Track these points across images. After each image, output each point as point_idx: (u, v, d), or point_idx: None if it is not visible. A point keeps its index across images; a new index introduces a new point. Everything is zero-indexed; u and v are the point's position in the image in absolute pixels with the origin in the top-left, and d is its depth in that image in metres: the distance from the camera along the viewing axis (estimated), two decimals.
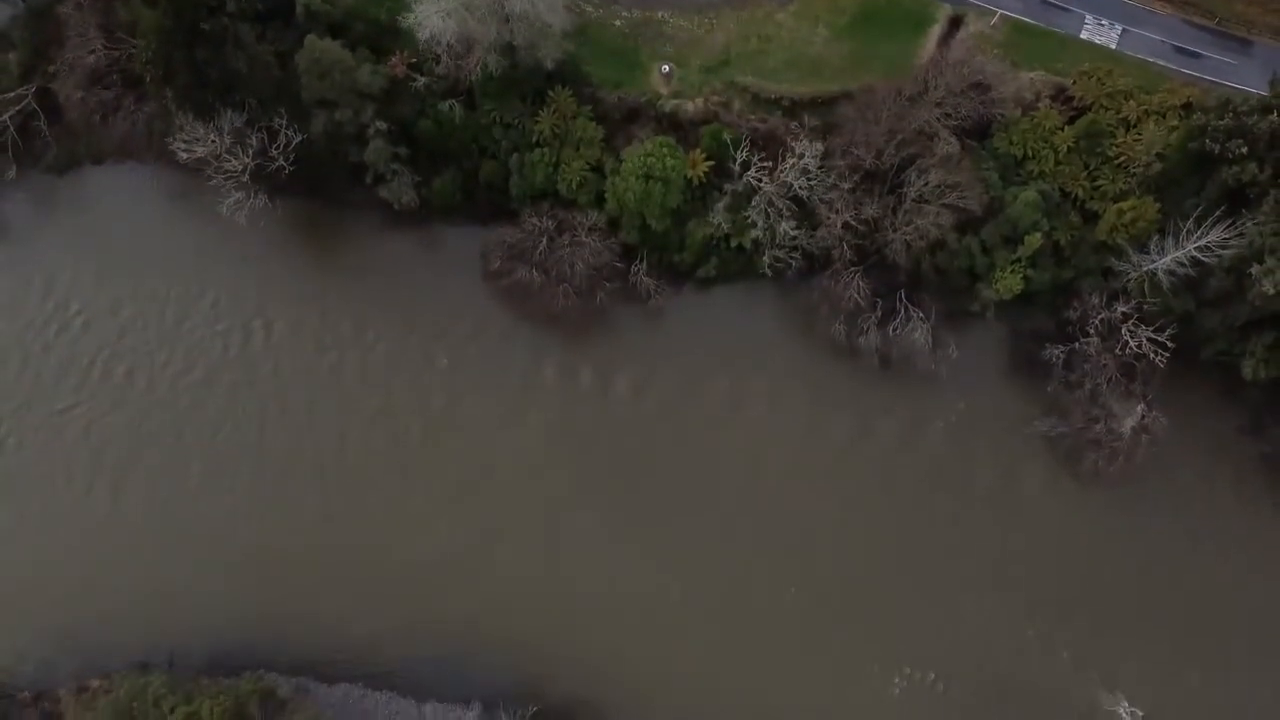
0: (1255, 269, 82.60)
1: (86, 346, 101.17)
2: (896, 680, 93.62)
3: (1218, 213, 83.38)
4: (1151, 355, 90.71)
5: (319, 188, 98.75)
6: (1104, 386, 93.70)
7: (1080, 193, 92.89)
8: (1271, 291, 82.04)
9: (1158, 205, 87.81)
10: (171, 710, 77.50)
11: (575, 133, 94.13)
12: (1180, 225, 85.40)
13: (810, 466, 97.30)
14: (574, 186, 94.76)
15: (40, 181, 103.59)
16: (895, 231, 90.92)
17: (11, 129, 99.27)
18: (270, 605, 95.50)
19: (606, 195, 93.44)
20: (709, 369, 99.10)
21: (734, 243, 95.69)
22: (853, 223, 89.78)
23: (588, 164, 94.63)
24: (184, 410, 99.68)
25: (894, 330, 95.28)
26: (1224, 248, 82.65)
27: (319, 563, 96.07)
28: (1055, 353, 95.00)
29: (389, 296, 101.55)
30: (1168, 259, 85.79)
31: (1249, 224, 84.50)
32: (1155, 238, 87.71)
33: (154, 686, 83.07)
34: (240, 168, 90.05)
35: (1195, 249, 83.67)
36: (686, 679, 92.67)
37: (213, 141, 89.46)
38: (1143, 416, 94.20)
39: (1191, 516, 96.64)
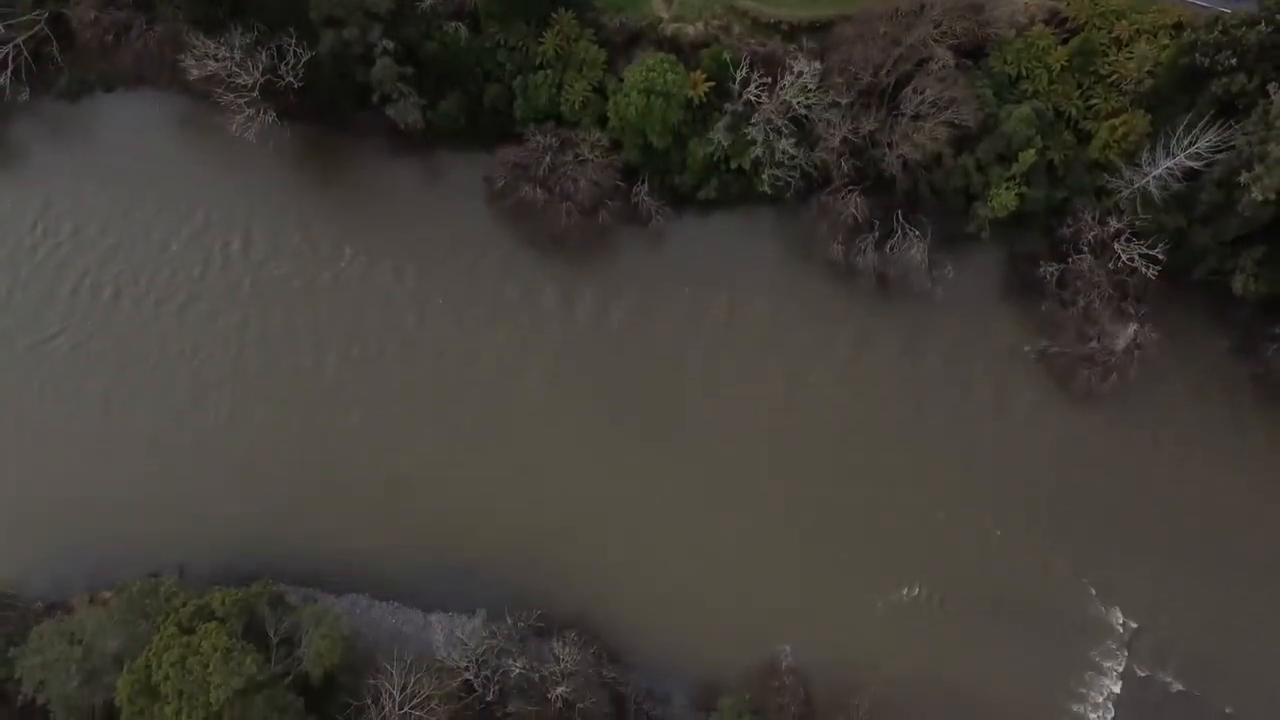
0: (1244, 176, 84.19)
1: (76, 268, 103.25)
2: (894, 594, 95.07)
3: (1208, 117, 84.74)
4: (1143, 269, 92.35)
5: (326, 111, 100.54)
6: (1097, 303, 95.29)
7: (1074, 111, 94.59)
8: (1260, 198, 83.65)
9: (1149, 118, 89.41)
10: (183, 604, 78.99)
11: (578, 55, 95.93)
12: (1171, 135, 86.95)
13: (809, 384, 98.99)
14: (577, 108, 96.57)
15: (52, 108, 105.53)
16: (892, 149, 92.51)
17: (25, 53, 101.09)
18: (275, 523, 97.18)
19: (609, 114, 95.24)
20: (709, 290, 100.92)
21: (734, 164, 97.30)
22: (851, 137, 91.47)
23: (590, 86, 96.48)
24: (200, 330, 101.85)
25: (891, 249, 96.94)
26: (1217, 151, 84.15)
27: (323, 482, 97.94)
28: (1049, 271, 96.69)
29: (391, 220, 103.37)
30: (1159, 169, 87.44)
31: (1238, 135, 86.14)
32: (1147, 150, 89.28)
33: (165, 586, 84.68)
34: (250, 83, 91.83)
35: (1186, 156, 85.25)
36: (684, 589, 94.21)
37: (223, 57, 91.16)
38: (1135, 334, 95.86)
39: (1183, 433, 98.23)
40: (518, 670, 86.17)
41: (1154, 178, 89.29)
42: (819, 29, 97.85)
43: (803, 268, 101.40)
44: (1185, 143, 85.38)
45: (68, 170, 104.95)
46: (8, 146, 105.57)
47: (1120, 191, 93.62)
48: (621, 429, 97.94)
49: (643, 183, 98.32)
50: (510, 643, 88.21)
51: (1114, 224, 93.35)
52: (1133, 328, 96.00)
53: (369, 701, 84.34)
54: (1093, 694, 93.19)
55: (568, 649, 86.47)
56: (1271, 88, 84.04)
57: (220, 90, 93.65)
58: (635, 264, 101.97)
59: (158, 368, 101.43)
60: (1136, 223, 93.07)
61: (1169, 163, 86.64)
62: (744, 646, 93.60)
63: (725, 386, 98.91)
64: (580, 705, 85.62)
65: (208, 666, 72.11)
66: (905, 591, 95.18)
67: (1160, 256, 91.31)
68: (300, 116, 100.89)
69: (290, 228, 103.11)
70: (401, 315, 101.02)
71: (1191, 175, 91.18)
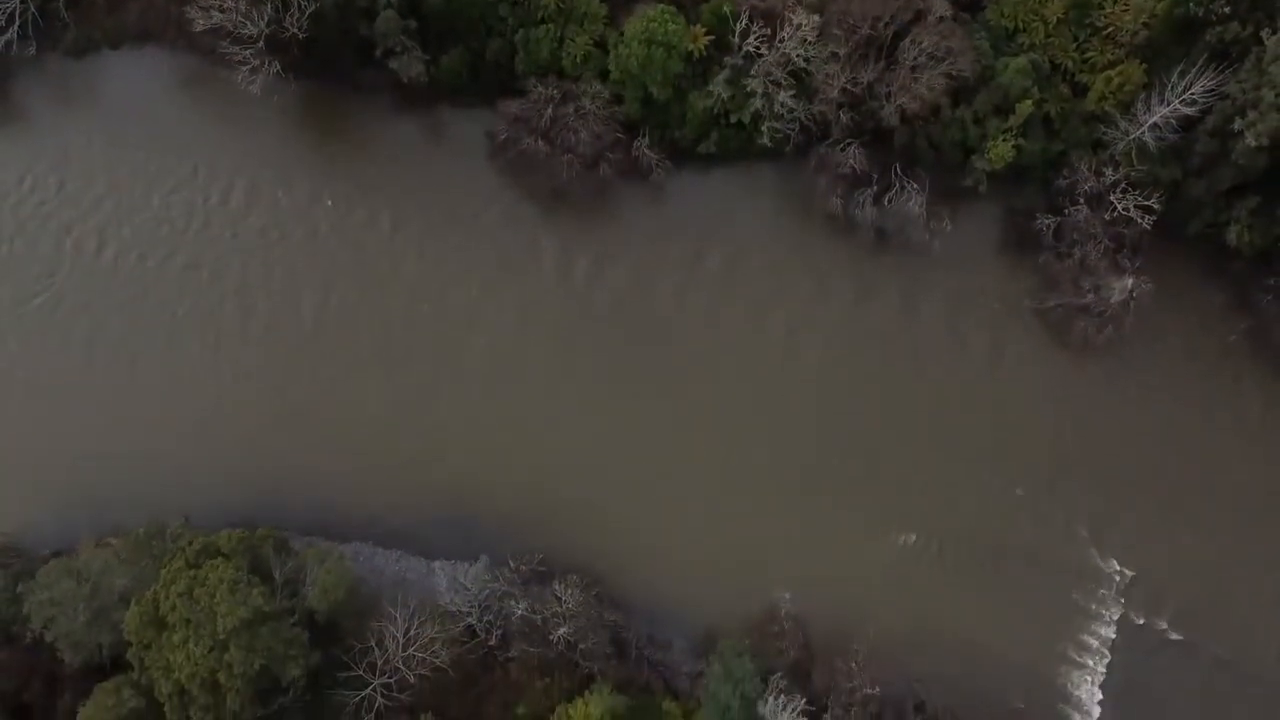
0: (1239, 122, 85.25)
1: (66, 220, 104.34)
2: (892, 543, 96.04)
3: (1202, 63, 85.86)
4: (1139, 219, 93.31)
5: (329, 67, 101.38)
6: (1093, 255, 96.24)
7: (1070, 64, 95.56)
8: (1254, 144, 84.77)
9: (1144, 68, 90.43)
10: (190, 544, 79.97)
11: (579, 9, 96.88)
12: (1166, 84, 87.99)
13: (808, 336, 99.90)
14: (578, 61, 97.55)
15: (58, 64, 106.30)
16: (890, 100, 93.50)
17: (32, 8, 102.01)
18: (275, 476, 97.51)
19: (610, 66, 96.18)
20: (709, 243, 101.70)
21: (734, 118, 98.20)
22: (850, 88, 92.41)
23: (592, 40, 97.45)
24: (201, 286, 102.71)
25: (889, 202, 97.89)
26: (1211, 96, 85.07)
27: (323, 434, 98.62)
28: (1045, 223, 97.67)
29: (393, 175, 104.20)
30: (1155, 117, 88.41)
31: (1232, 83, 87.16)
32: (1142, 100, 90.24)
33: (172, 528, 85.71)
34: (255, 34, 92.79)
35: (1180, 103, 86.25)
36: (685, 537, 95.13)
37: (228, 8, 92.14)
38: (1131, 286, 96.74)
39: (1178, 385, 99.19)
40: (520, 612, 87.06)
41: (1149, 127, 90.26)
42: None
43: (801, 222, 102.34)
44: (1180, 89, 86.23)
45: (69, 127, 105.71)
46: (11, 103, 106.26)
47: (1116, 144, 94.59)
48: (621, 380, 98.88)
49: (643, 136, 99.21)
50: (513, 586, 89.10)
51: (1110, 175, 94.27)
52: (1129, 280, 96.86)
53: (373, 644, 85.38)
54: (1089, 640, 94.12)
55: (570, 591, 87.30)
56: (1265, 34, 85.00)
57: (225, 42, 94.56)
58: (635, 218, 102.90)
59: (156, 321, 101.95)
60: (1132, 174, 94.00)
61: (1164, 110, 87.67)
62: (744, 594, 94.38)
63: (724, 338, 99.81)
64: (582, 646, 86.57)
65: (214, 597, 73.10)
66: (903, 540, 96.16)
67: (1156, 206, 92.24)
68: (303, 73, 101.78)
69: (291, 182, 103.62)
70: (401, 268, 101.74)
71: (1187, 126, 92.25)
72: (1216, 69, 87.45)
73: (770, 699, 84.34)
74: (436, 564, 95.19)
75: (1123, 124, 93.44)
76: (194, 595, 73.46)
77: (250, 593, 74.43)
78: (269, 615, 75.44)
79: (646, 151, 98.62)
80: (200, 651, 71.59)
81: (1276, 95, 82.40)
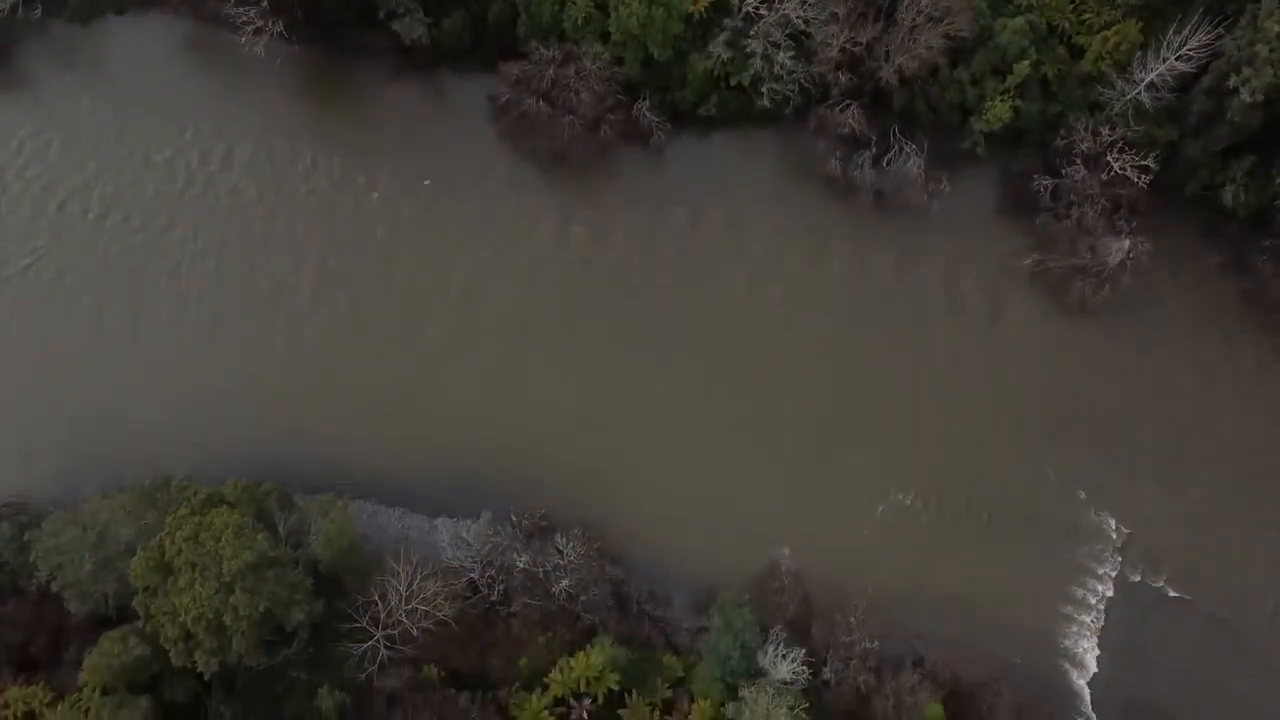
0: (1234, 79, 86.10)
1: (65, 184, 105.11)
2: (891, 501, 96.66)
3: (1198, 18, 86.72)
4: (1135, 179, 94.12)
5: (331, 31, 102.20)
6: (1090, 215, 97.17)
7: (1067, 25, 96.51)
8: (1249, 100, 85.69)
9: (1140, 26, 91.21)
10: (195, 493, 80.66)
11: None
12: (1162, 42, 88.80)
13: (807, 297, 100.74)
14: (580, 23, 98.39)
15: (63, 29, 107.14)
16: (889, 60, 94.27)
17: None
18: (278, 435, 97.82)
19: (610, 28, 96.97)
20: (709, 206, 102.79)
21: (734, 81, 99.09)
22: (848, 47, 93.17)
23: (593, 2, 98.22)
24: (201, 246, 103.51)
25: (888, 164, 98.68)
26: (1206, 51, 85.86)
27: (325, 393, 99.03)
28: (1043, 184, 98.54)
29: (396, 140, 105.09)
30: (1152, 75, 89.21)
31: (1228, 41, 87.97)
32: (1138, 58, 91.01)
33: (177, 481, 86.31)
34: None
35: (1176, 59, 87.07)
36: (685, 496, 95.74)
37: None
38: (1128, 248, 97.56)
39: (1175, 346, 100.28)
40: (522, 565, 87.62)
41: (1146, 86, 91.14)
42: None
43: (801, 184, 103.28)
44: (1176, 45, 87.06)
45: (73, 92, 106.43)
46: (16, 67, 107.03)
47: (1113, 105, 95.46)
48: (622, 341, 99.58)
49: (644, 99, 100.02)
50: (515, 540, 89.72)
51: (1107, 136, 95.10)
52: (1126, 242, 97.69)
53: (376, 598, 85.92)
54: (1085, 597, 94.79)
55: (571, 544, 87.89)
56: None
57: (230, 3, 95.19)
58: (636, 181, 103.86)
59: (157, 285, 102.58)
60: (1129, 135, 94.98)
61: (1161, 68, 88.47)
62: (744, 552, 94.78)
63: (724, 300, 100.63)
64: (583, 598, 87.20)
65: (219, 541, 73.71)
66: (901, 498, 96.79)
67: (1152, 165, 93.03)
68: (306, 36, 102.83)
69: (293, 147, 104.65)
70: (404, 231, 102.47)
71: (1183, 86, 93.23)
72: (1212, 25, 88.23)
73: (770, 649, 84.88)
74: (439, 521, 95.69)
75: (1119, 84, 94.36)
76: (199, 540, 74.09)
77: (255, 538, 75.08)
78: (274, 560, 76.10)
79: (647, 113, 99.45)
80: (206, 593, 72.19)
81: (1271, 50, 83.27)
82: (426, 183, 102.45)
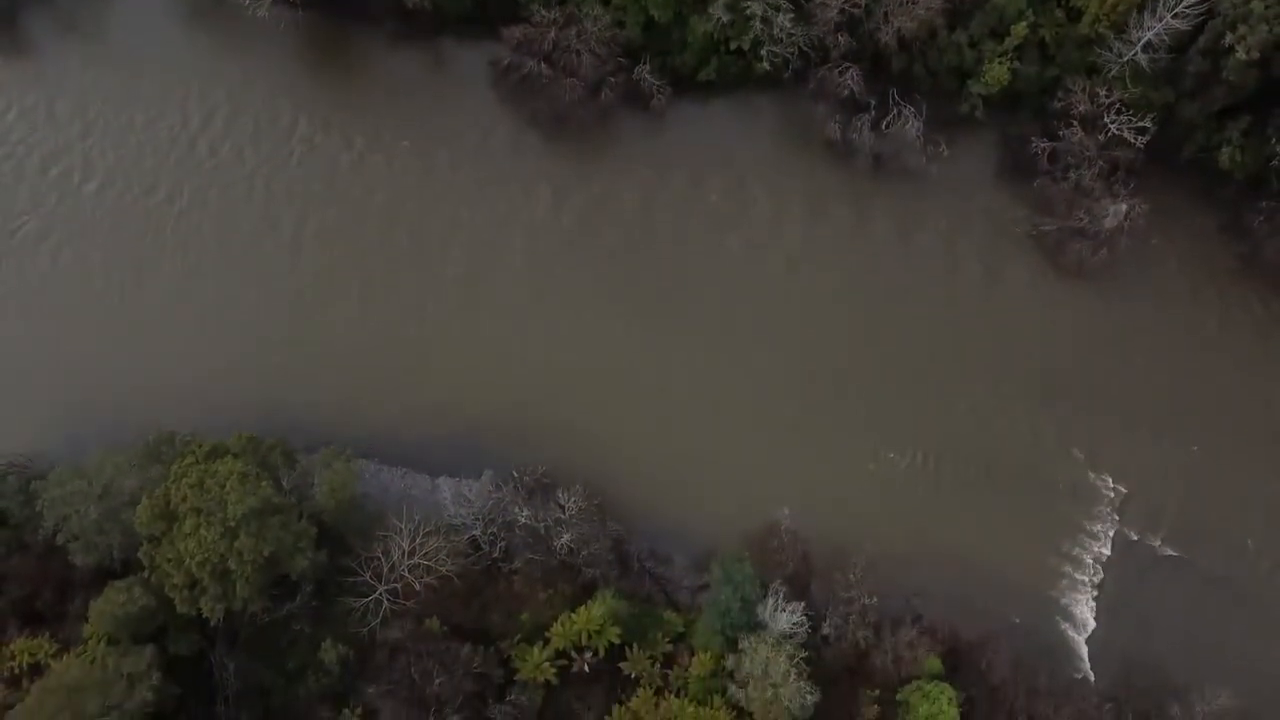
0: (1229, 36, 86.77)
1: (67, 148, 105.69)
2: (889, 460, 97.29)
3: None
4: (1133, 140, 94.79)
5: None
6: (1087, 178, 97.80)
7: None
8: (1244, 57, 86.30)
9: None
10: (199, 445, 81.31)
11: None
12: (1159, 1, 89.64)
13: (807, 259, 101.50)
14: None
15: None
16: (888, 21, 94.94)
17: None
18: (280, 397, 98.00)
19: None
20: (709, 171, 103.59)
21: (734, 45, 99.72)
22: (847, 8, 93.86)
23: None
24: (202, 211, 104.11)
25: (887, 127, 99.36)
26: (1202, 9, 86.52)
27: (325, 355, 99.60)
28: (1040, 147, 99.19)
29: (400, 105, 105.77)
30: (1149, 34, 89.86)
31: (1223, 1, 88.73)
32: (1135, 18, 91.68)
33: (181, 436, 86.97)
34: None
35: (1173, 16, 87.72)
36: (686, 457, 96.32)
37: None
38: (1126, 211, 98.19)
39: (1171, 308, 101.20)
40: (524, 520, 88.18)
41: (1143, 46, 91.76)
42: None
43: (800, 148, 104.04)
44: (1172, 3, 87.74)
45: (77, 57, 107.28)
46: (20, 33, 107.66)
47: (1110, 67, 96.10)
48: (624, 302, 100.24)
49: (644, 63, 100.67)
50: (516, 495, 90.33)
51: (1104, 97, 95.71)
52: (1123, 205, 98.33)
53: (379, 554, 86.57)
54: (1083, 556, 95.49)
55: (572, 499, 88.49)
56: None
57: None
58: (636, 145, 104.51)
59: (156, 245, 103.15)
60: (1127, 96, 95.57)
61: (1158, 26, 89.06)
62: (744, 512, 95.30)
63: (724, 261, 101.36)
64: (584, 553, 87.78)
65: (224, 487, 74.32)
66: (900, 459, 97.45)
67: (1149, 125, 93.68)
68: (310, 3, 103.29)
69: (294, 112, 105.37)
70: (406, 194, 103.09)
71: (1180, 48, 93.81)
72: None
73: (770, 602, 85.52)
74: (441, 480, 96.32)
75: (1117, 46, 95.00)
76: (204, 486, 74.70)
77: (260, 484, 75.72)
78: (279, 507, 76.73)
79: (648, 76, 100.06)
80: (211, 537, 72.77)
81: (1266, 7, 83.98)
82: (405, 144, 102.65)
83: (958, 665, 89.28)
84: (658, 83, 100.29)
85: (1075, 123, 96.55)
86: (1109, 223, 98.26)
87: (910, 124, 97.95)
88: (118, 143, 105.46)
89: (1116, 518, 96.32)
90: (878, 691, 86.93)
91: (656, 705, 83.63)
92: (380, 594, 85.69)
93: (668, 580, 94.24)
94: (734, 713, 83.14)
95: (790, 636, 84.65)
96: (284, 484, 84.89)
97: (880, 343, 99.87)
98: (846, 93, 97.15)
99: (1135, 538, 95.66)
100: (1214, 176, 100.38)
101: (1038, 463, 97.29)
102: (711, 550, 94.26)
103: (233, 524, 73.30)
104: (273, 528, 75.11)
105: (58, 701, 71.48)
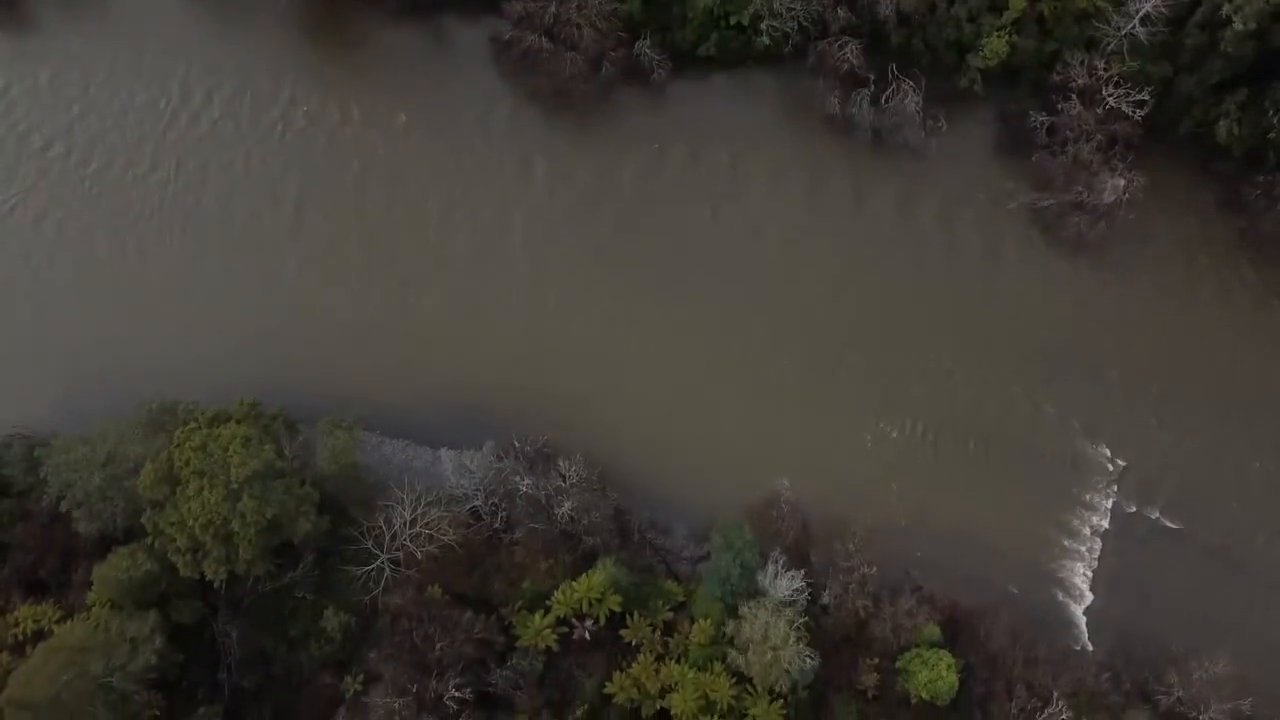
0: (1226, 8, 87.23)
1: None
2: (889, 434, 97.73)
3: None
4: (1130, 113, 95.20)
5: None
6: (1086, 152, 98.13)
7: None
8: (1241, 28, 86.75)
9: None
10: (202, 413, 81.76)
11: None
12: None
13: (807, 233, 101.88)
14: None
15: None
16: None
17: None
18: (283, 370, 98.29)
19: None
20: (709, 145, 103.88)
21: (734, 19, 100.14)
22: None
23: None
24: (205, 185, 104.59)
25: (886, 101, 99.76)
26: None
27: (325, 328, 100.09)
28: (1039, 121, 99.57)
29: (401, 80, 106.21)
30: (1147, 5, 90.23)
31: None
32: None
33: (183, 405, 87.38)
34: None
35: None
36: (687, 429, 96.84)
37: None
38: (1124, 186, 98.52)
39: (1170, 280, 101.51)
40: (525, 489, 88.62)
41: (1141, 19, 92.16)
42: None
43: (800, 123, 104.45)
44: None
45: (78, 32, 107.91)
46: (21, 12, 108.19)
47: (1109, 40, 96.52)
48: (623, 275, 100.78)
49: (644, 38, 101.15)
50: (518, 466, 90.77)
51: (1102, 71, 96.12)
52: (1121, 180, 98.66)
53: (381, 523, 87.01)
54: (1081, 528, 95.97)
55: (573, 468, 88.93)
56: None
57: None
58: (637, 120, 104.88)
59: (158, 220, 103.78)
60: (1125, 70, 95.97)
61: None
62: (744, 483, 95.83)
63: (724, 235, 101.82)
64: (585, 521, 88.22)
65: (227, 451, 74.79)
66: (899, 430, 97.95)
67: (1146, 98, 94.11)
68: None
69: (293, 87, 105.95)
70: (410, 169, 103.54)
71: (1177, 21, 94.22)
72: None
73: (770, 568, 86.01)
74: (443, 452, 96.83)
75: (1115, 19, 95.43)
76: (208, 449, 75.20)
77: (263, 448, 76.22)
78: (281, 470, 77.18)
79: (648, 51, 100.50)
80: (215, 499, 73.24)
81: None
82: (402, 118, 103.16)
83: (956, 634, 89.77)
84: (658, 58, 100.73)
85: (1073, 97, 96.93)
86: (1107, 196, 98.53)
87: (909, 99, 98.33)
88: (119, 119, 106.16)
89: (1114, 489, 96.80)
90: (877, 660, 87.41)
91: (657, 671, 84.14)
92: (382, 562, 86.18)
93: (668, 551, 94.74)
94: (734, 678, 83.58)
95: (790, 603, 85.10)
96: (285, 452, 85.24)
97: (879, 315, 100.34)
98: (846, 67, 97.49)
99: (1133, 509, 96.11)
100: (1211, 151, 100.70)
101: (1036, 435, 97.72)
102: (712, 521, 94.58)
103: (236, 486, 73.75)
104: (275, 491, 75.59)
105: (61, 661, 71.99)
